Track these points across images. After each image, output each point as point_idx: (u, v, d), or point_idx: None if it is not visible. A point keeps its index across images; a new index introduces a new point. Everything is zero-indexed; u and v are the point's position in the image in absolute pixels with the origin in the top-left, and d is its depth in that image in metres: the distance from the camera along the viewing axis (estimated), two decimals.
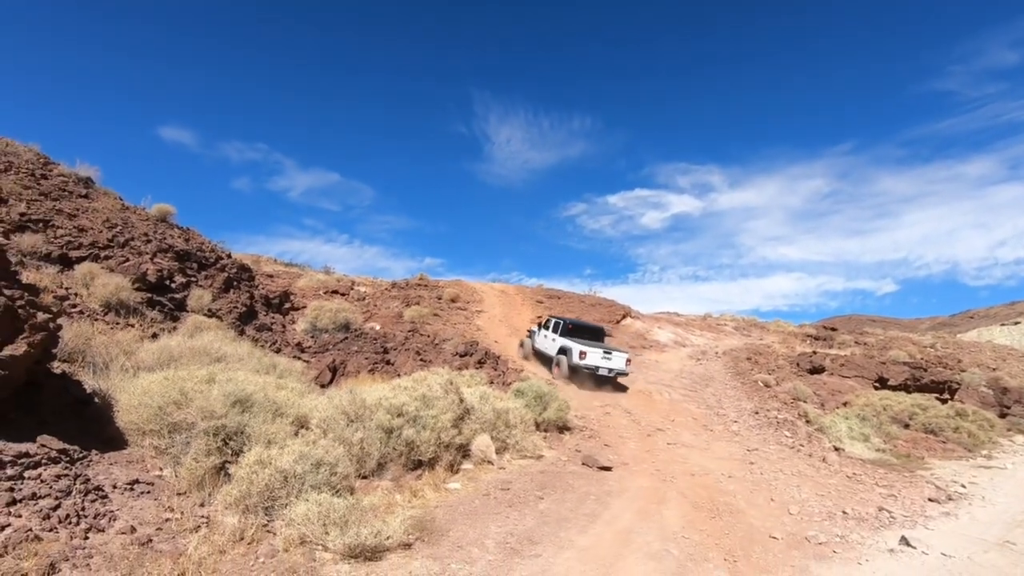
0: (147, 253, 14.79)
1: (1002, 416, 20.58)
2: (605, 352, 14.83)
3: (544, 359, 16.67)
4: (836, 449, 11.45)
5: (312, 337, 18.30)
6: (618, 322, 29.77)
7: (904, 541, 5.97)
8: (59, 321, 7.89)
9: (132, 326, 10.65)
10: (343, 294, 25.80)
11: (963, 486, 9.02)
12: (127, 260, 13.71)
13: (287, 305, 21.42)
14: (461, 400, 8.25)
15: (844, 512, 6.90)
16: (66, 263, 12.15)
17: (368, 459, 6.32)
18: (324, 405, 6.88)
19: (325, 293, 25.24)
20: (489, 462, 7.58)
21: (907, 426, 15.72)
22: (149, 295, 13.13)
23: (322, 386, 12.44)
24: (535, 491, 6.63)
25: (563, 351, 15.20)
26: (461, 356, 13.22)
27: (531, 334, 18.37)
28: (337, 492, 5.09)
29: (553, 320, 17.09)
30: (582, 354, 14.38)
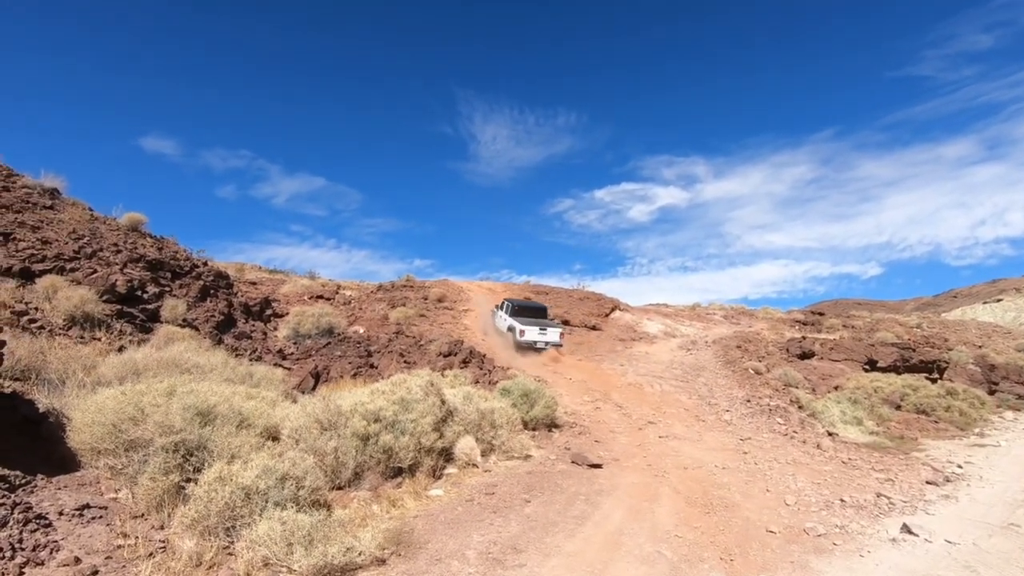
0: (116, 264, 14.28)
1: (991, 393, 20.63)
2: (541, 329, 17.73)
3: (500, 335, 19.15)
4: (830, 434, 11.27)
5: (295, 343, 17.86)
6: (607, 315, 29.55)
7: (906, 529, 5.74)
8: (11, 336, 7.46)
9: (98, 340, 10.19)
10: (328, 299, 25.33)
11: (959, 466, 8.86)
12: (95, 272, 13.21)
13: (268, 312, 20.93)
14: (443, 402, 7.92)
15: (842, 500, 6.68)
16: (28, 277, 11.63)
17: (343, 469, 5.98)
18: (296, 414, 6.52)
19: (310, 298, 24.75)
20: (474, 465, 7.27)
21: (899, 407, 15.65)
22: (119, 307, 12.65)
23: (304, 393, 12.07)
24: (521, 494, 6.32)
25: (511, 329, 18.07)
26: (445, 356, 12.88)
27: (493, 314, 21.11)
28: (305, 507, 4.74)
29: (505, 302, 20.00)
30: (521, 332, 17.39)
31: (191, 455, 5.19)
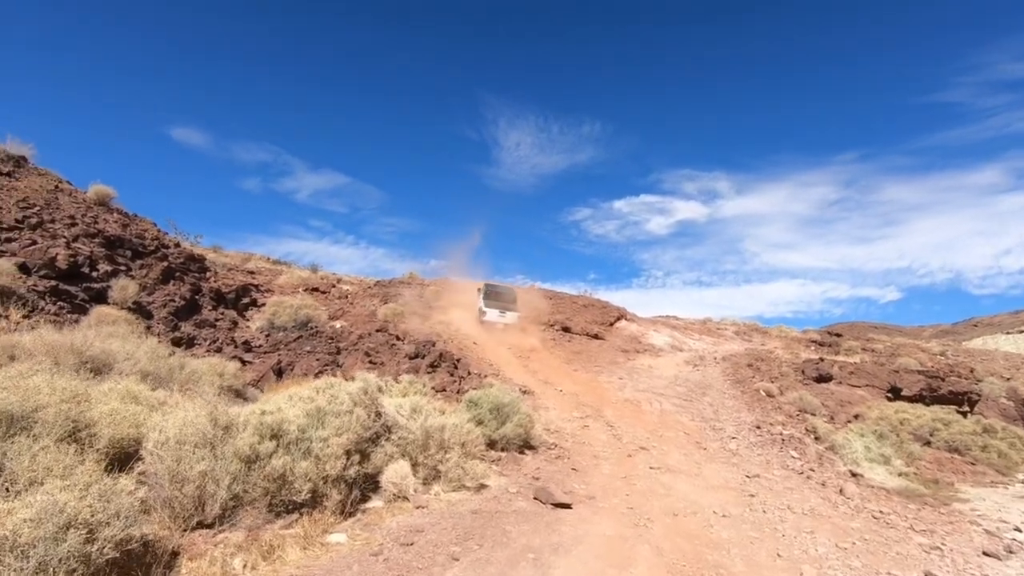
0: (65, 237, 13.01)
1: None
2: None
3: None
4: (853, 474, 9.59)
5: (266, 336, 16.48)
6: (612, 324, 27.91)
7: None
8: None
9: (5, 317, 8.87)
10: (324, 292, 24.19)
11: (1017, 529, 7.15)
12: (34, 243, 11.92)
13: (245, 300, 19.63)
14: (378, 415, 6.43)
15: None
16: None
17: (211, 501, 4.49)
18: (173, 423, 5.05)
19: (304, 290, 23.57)
20: (404, 498, 5.74)
21: (928, 443, 13.83)
22: (55, 283, 11.36)
23: (261, 390, 10.78)
24: (451, 545, 4.77)
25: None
26: (411, 358, 11.38)
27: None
28: (104, 567, 3.26)
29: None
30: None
31: None
